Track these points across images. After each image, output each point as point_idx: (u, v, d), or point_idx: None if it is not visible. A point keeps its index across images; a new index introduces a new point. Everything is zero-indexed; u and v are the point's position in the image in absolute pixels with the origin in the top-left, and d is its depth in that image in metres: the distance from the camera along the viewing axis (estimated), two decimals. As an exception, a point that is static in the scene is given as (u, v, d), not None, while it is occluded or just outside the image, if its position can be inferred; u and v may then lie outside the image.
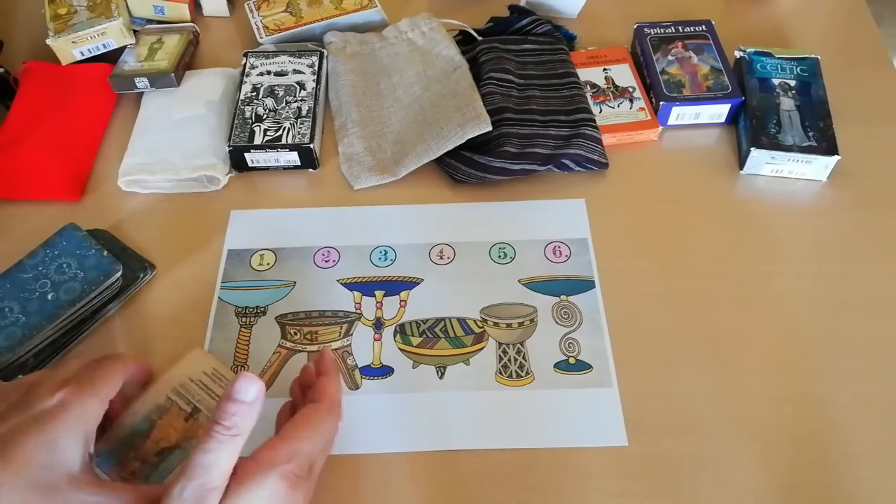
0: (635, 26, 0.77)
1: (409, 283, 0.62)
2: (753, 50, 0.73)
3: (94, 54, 0.77)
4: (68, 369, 0.45)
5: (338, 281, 0.62)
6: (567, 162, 0.67)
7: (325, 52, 0.76)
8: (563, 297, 0.61)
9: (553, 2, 0.81)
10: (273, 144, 0.68)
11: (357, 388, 0.57)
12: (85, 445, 0.42)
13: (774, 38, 0.80)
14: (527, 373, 0.57)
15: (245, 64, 0.75)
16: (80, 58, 0.77)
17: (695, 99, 0.70)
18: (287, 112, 0.70)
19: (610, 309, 0.60)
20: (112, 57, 0.76)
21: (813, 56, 0.72)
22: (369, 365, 0.58)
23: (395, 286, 0.62)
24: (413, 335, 0.59)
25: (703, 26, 0.76)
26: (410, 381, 0.57)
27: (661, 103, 0.70)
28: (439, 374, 0.57)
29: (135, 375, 0.50)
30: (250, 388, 0.41)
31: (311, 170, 0.70)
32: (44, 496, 0.39)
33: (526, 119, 0.69)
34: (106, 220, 0.66)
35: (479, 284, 0.62)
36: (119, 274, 0.60)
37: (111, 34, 0.76)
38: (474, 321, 0.60)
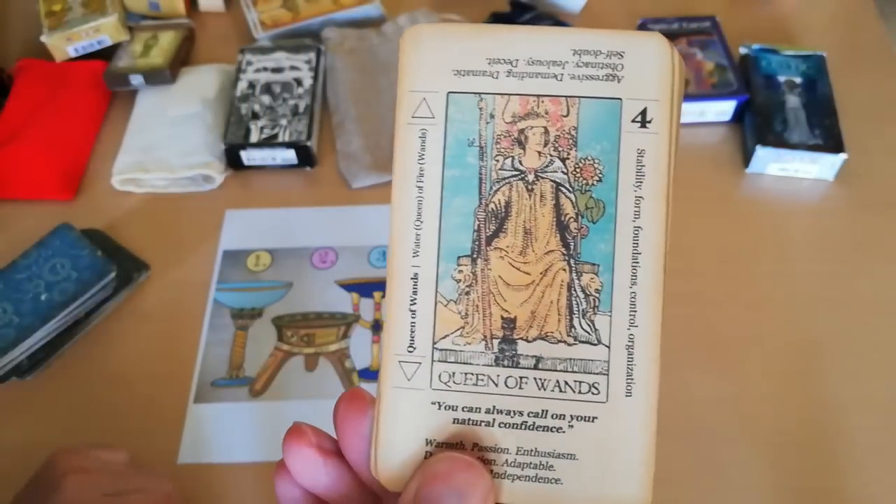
0: (639, 22, 0.76)
1: (408, 284, 0.61)
2: (759, 46, 0.71)
3: (88, 51, 0.75)
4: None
5: (335, 282, 0.61)
6: (569, 160, 0.66)
7: (323, 49, 0.75)
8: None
9: (555, -3, 0.80)
10: (270, 142, 0.67)
11: (355, 391, 0.56)
12: None
13: (780, 35, 0.78)
14: (528, 376, 0.56)
15: (241, 60, 0.73)
16: (74, 55, 0.75)
17: (699, 96, 0.69)
18: (284, 109, 0.69)
19: (612, 310, 0.59)
20: (106, 54, 0.75)
21: (819, 53, 0.71)
22: (368, 368, 0.57)
23: (394, 287, 0.61)
24: (412, 337, 0.58)
25: (708, 22, 0.75)
26: (409, 384, 0.56)
27: (665, 100, 0.69)
28: (438, 376, 0.56)
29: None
30: None
31: (308, 168, 0.69)
32: None
33: (527, 116, 0.68)
34: (100, 219, 0.65)
35: (480, 285, 0.61)
36: (113, 275, 0.59)
37: (106, 30, 0.75)
38: (474, 323, 0.59)
